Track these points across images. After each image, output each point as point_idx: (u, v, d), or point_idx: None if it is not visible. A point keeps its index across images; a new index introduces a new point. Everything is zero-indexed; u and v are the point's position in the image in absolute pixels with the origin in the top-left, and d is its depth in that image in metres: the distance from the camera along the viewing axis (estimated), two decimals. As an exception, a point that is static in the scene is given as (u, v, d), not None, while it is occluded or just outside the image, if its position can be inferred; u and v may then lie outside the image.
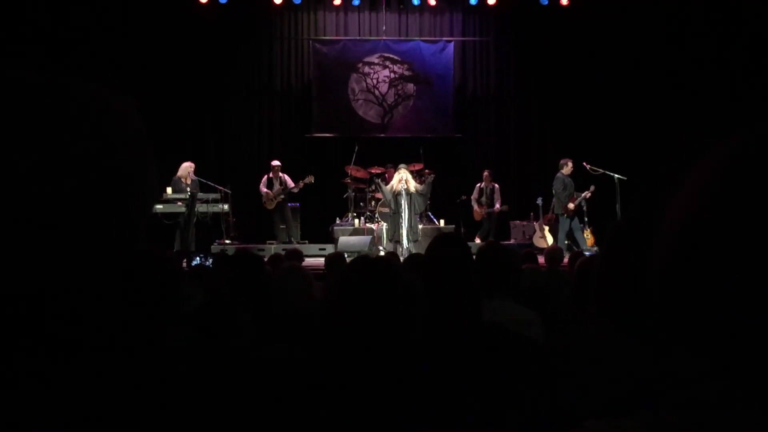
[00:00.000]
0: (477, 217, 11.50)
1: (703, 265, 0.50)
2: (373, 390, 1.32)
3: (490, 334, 1.74)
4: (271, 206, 10.95)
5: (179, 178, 9.86)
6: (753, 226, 0.47)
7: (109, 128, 0.60)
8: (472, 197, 11.52)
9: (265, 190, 10.99)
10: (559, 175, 10.55)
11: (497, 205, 11.34)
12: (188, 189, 9.73)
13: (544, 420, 1.31)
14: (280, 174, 11.01)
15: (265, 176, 11.04)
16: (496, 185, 11.49)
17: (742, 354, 0.49)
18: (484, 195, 11.45)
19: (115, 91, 0.63)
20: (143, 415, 0.61)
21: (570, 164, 10.56)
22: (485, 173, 11.52)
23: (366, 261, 1.57)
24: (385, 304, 1.39)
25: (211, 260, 6.59)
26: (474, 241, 10.44)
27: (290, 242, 10.63)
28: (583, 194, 10.50)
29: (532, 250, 7.24)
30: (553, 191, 10.59)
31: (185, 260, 7.23)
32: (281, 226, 11.07)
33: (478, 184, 11.54)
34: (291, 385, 1.36)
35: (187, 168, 9.95)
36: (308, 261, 9.06)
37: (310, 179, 10.95)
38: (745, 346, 0.48)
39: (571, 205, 10.41)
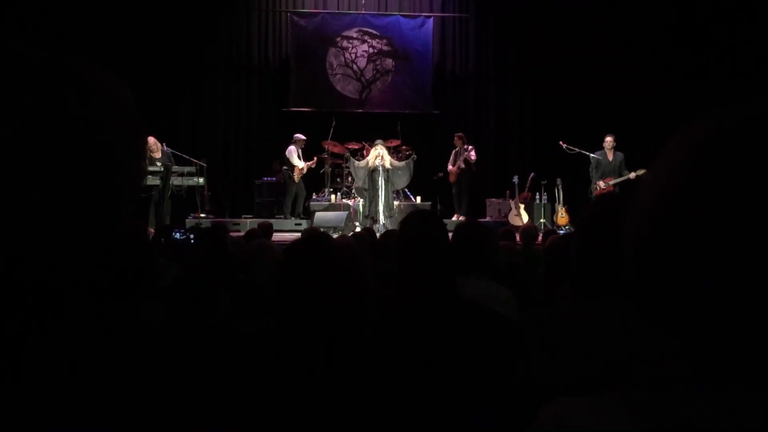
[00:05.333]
0: (452, 178, 11.18)
1: (674, 247, 0.51)
2: (316, 356, 1.37)
3: (465, 310, 1.76)
4: (298, 179, 10.99)
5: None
6: (724, 208, 0.48)
7: (99, 103, 0.60)
8: (449, 164, 11.27)
9: (303, 163, 10.98)
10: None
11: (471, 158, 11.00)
12: (158, 162, 9.61)
13: (517, 395, 1.34)
14: None
15: (294, 148, 10.96)
16: (470, 146, 11.13)
17: (711, 334, 0.50)
18: (459, 159, 11.15)
19: (107, 70, 0.63)
20: (118, 392, 0.61)
21: (606, 139, 9.79)
22: (456, 137, 11.20)
23: (303, 237, 1.64)
24: (320, 275, 1.45)
25: (191, 235, 6.52)
26: (452, 219, 10.43)
27: (304, 216, 10.78)
28: (628, 175, 9.43)
29: (511, 228, 7.29)
30: None
31: (163, 234, 7.15)
32: (290, 200, 11.08)
33: (454, 150, 11.28)
34: (262, 358, 1.38)
35: (152, 143, 9.81)
36: (284, 236, 9.05)
37: (314, 163, 11.14)
38: (713, 327, 0.50)
39: (601, 184, 9.54)
